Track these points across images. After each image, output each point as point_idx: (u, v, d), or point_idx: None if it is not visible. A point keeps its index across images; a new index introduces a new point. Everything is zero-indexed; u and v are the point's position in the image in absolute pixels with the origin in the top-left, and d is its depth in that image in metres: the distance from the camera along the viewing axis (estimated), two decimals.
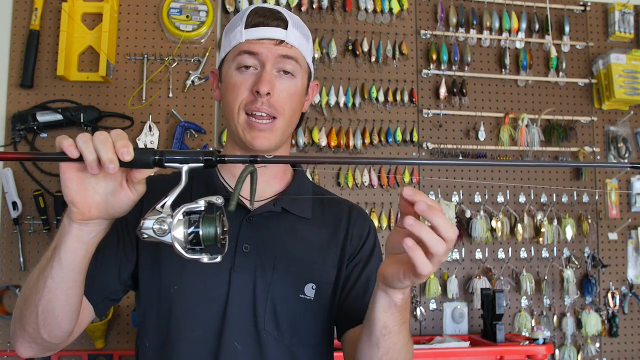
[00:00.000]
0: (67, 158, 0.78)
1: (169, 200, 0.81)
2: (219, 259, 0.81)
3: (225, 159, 0.82)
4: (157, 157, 0.80)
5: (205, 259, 0.80)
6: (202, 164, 0.81)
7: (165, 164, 0.81)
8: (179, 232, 0.79)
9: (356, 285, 1.09)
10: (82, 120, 2.01)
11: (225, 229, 0.81)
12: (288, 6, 2.28)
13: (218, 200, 0.81)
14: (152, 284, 1.05)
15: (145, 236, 0.80)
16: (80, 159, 0.77)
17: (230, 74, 1.06)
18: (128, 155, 0.77)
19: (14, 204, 1.98)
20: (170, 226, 0.79)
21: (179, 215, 0.79)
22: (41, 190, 2.00)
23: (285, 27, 1.05)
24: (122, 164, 0.78)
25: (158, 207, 0.81)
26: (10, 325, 0.97)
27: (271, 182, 1.12)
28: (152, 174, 0.83)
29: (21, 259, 1.99)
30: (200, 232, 0.79)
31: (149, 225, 0.79)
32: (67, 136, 0.78)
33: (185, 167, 0.81)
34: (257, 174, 0.82)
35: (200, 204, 0.80)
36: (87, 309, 1.01)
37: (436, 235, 0.72)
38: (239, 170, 1.10)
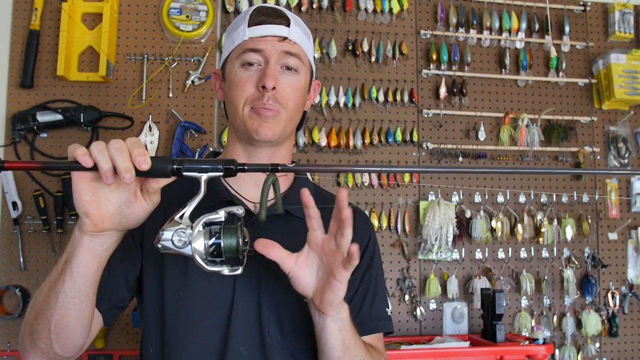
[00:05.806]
0: (80, 167, 0.75)
1: (187, 210, 0.78)
2: (239, 270, 0.79)
3: (246, 167, 0.80)
4: (175, 167, 0.77)
5: (225, 270, 0.79)
6: (221, 173, 0.79)
7: (184, 174, 0.78)
8: (200, 244, 0.77)
9: (355, 296, 1.09)
10: (82, 120, 2.01)
11: (246, 240, 0.79)
12: (288, 6, 2.28)
13: (239, 210, 0.80)
14: (156, 289, 1.04)
15: (163, 247, 0.77)
16: (95, 168, 0.75)
17: (234, 72, 1.07)
18: (145, 164, 0.75)
19: (14, 204, 1.98)
20: (190, 237, 0.76)
21: (199, 227, 0.77)
22: (41, 190, 2.00)
23: (288, 25, 1.06)
24: (139, 173, 0.75)
25: (176, 217, 0.78)
26: (19, 340, 0.95)
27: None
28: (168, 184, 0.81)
29: (21, 259, 1.99)
30: (222, 244, 0.77)
31: (167, 236, 0.77)
32: (79, 145, 0.77)
33: (204, 177, 0.78)
34: (279, 183, 0.80)
35: (221, 215, 0.78)
36: (97, 318, 0.99)
37: None
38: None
